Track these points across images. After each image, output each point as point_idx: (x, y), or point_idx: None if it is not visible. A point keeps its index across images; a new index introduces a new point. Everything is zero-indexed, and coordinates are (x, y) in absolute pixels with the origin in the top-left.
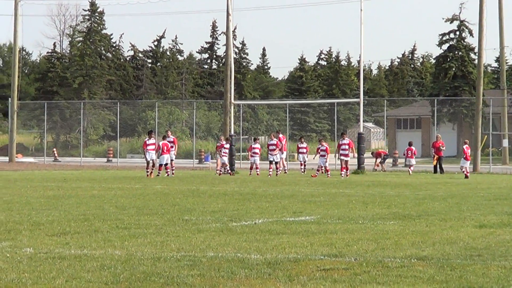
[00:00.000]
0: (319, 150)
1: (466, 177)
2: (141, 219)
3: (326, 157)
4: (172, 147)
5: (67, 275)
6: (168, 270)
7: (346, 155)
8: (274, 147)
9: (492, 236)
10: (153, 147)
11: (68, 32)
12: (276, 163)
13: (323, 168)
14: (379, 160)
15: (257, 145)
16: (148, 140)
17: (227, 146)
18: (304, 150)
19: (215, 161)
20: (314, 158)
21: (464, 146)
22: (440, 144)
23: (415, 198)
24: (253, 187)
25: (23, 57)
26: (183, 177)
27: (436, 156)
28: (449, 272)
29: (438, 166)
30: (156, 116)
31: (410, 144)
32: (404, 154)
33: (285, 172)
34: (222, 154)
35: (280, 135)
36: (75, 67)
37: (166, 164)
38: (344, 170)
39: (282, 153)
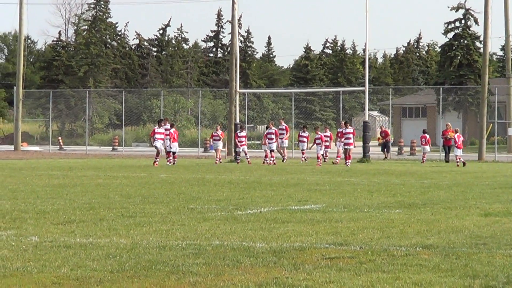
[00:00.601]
0: (315, 140)
1: (464, 164)
2: (147, 207)
3: (321, 145)
4: (167, 135)
5: (72, 263)
6: (173, 258)
7: (350, 144)
8: (272, 135)
9: (498, 224)
10: (162, 136)
11: (73, 21)
12: (271, 151)
13: (322, 156)
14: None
15: (272, 131)
16: (157, 128)
17: (242, 134)
18: (305, 139)
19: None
20: (310, 148)
21: (456, 135)
22: (449, 132)
23: (421, 186)
24: (258, 175)
25: (28, 46)
26: (189, 165)
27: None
28: (455, 260)
29: (446, 153)
30: (161, 105)
31: (424, 131)
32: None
33: (283, 161)
34: (241, 143)
35: (284, 125)
36: (80, 55)
37: (174, 152)
38: (349, 160)
39: (283, 142)
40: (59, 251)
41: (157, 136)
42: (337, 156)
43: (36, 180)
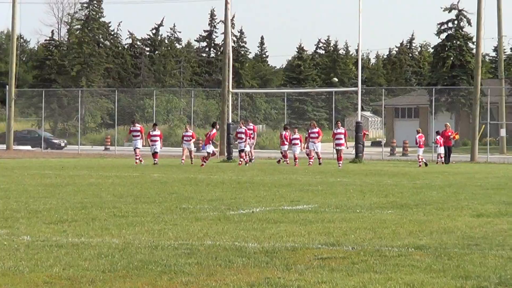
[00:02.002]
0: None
1: (426, 165)
2: (139, 207)
3: (299, 145)
4: (138, 135)
5: (64, 263)
6: (165, 258)
7: (341, 144)
8: (242, 135)
9: (490, 225)
10: (157, 138)
11: (66, 20)
12: (241, 151)
13: (310, 154)
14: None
15: (297, 135)
16: (152, 131)
17: (241, 130)
18: (298, 142)
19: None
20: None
21: (417, 135)
22: (450, 133)
23: (413, 187)
24: (251, 175)
25: (21, 45)
26: (181, 165)
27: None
28: (447, 261)
29: (446, 155)
30: (154, 104)
31: (437, 133)
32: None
33: (251, 161)
34: (240, 141)
35: (251, 125)
36: (73, 55)
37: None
38: (341, 161)
39: (251, 142)
40: (51, 250)
41: (153, 138)
42: (309, 157)
43: (28, 180)
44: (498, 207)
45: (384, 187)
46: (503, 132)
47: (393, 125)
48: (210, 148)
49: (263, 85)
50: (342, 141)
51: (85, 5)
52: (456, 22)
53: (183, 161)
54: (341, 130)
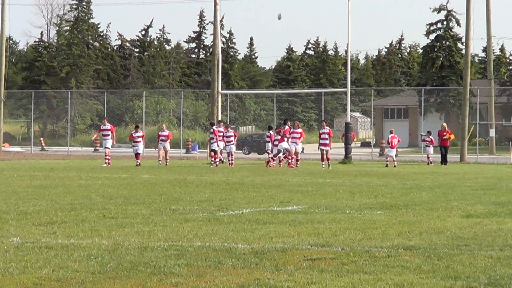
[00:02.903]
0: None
1: (394, 166)
2: (128, 208)
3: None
4: (108, 135)
5: (54, 264)
6: (155, 259)
7: (326, 145)
8: (214, 135)
9: (479, 226)
10: (140, 139)
11: (55, 21)
12: (215, 152)
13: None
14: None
15: (299, 129)
16: (134, 133)
17: (230, 133)
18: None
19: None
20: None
21: (390, 136)
22: (445, 133)
23: (402, 188)
24: (240, 176)
25: (10, 46)
26: (170, 166)
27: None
28: (436, 261)
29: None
30: (143, 106)
31: (429, 133)
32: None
33: (222, 162)
34: (212, 142)
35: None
36: (62, 56)
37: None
38: (325, 161)
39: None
40: (41, 252)
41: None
42: (288, 156)
43: (17, 181)
44: (488, 207)
45: (373, 188)
46: (492, 133)
47: (383, 125)
48: (286, 145)
49: (253, 86)
50: (327, 141)
51: (74, 6)
52: (445, 22)
53: (160, 162)
54: (326, 130)
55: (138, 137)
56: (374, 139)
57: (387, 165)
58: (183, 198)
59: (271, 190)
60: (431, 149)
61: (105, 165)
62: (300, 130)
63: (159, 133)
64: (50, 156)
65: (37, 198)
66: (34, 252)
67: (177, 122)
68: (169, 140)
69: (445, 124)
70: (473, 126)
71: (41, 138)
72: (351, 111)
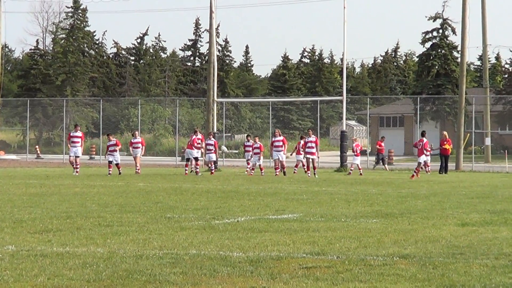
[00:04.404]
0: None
1: (360, 174)
2: (124, 216)
3: (259, 154)
4: (78, 142)
5: (49, 272)
6: (150, 267)
7: (313, 153)
8: (211, 147)
9: (474, 234)
10: (139, 144)
11: (51, 29)
12: (196, 160)
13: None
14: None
15: (280, 137)
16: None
17: (211, 142)
18: (250, 149)
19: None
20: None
21: (354, 144)
22: (445, 143)
23: (398, 196)
24: (236, 185)
25: (5, 54)
26: (166, 174)
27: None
28: (431, 270)
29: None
30: (139, 114)
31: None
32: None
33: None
34: (207, 150)
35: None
36: (58, 64)
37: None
38: (311, 170)
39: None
40: (36, 260)
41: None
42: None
43: (13, 189)
44: (483, 216)
45: (369, 196)
46: (488, 141)
47: (378, 134)
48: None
49: (248, 94)
50: (314, 150)
51: (70, 14)
52: (440, 31)
53: (139, 170)
54: (312, 138)
55: (137, 142)
56: (370, 148)
57: (351, 173)
58: (179, 206)
59: (266, 198)
60: (428, 158)
61: (77, 172)
62: (281, 138)
63: (131, 140)
64: (46, 164)
65: (33, 206)
66: (29, 260)
67: (173, 130)
68: (142, 147)
69: (446, 133)
70: (468, 134)
71: (37, 146)
72: (346, 119)
